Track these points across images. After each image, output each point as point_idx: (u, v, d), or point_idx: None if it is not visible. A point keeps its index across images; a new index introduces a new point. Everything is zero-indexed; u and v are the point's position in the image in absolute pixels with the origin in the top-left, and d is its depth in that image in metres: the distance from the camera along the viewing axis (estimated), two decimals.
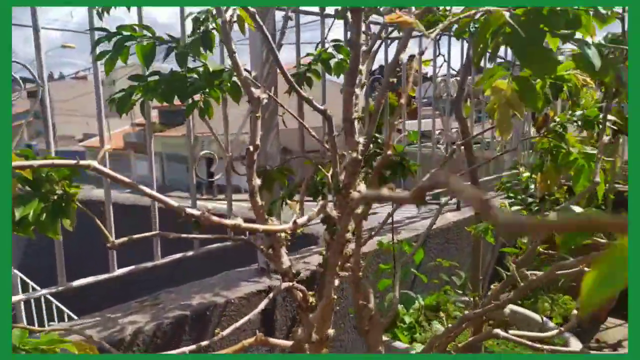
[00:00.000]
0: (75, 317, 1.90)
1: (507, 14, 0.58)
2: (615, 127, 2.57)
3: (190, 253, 1.71)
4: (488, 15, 0.59)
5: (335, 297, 0.84)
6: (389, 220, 1.39)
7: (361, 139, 0.81)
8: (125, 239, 0.68)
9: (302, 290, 0.88)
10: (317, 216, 0.74)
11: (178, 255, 1.67)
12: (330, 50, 1.68)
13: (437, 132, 2.81)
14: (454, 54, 2.55)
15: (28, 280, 3.69)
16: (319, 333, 0.82)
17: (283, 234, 0.85)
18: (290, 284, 0.85)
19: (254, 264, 1.90)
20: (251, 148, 0.87)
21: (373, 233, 1.34)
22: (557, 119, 1.11)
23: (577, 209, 0.67)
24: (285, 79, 0.93)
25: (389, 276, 1.76)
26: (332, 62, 1.70)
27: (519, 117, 0.70)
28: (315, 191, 1.37)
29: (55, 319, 3.17)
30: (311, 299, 0.88)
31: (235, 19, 1.57)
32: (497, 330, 0.91)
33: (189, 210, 0.62)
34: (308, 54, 1.66)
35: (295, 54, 1.92)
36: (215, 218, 0.62)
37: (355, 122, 0.82)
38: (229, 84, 1.05)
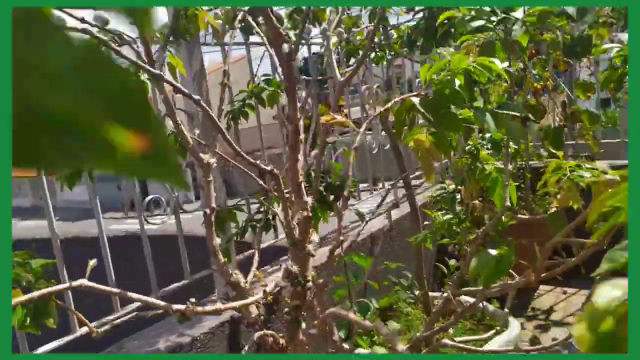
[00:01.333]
0: None
1: (416, 100, 0.71)
2: (521, 116, 2.86)
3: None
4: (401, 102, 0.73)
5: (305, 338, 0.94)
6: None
7: (309, 199, 0.91)
8: (107, 327, 0.73)
9: (272, 335, 0.96)
10: (284, 281, 0.83)
11: (138, 303, 1.68)
12: (262, 84, 1.76)
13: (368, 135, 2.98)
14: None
15: None
16: None
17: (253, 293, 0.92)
18: (261, 332, 0.93)
19: (212, 294, 1.94)
20: (207, 211, 0.94)
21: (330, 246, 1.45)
22: (471, 143, 1.29)
23: (493, 252, 0.81)
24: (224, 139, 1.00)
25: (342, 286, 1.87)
26: (264, 94, 1.78)
27: (438, 161, 0.84)
28: (267, 225, 1.45)
29: None
30: (281, 341, 0.96)
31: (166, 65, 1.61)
32: (446, 341, 1.05)
33: (175, 307, 0.69)
34: (241, 91, 1.73)
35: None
36: (199, 309, 0.69)
37: (302, 185, 0.92)
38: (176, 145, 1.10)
